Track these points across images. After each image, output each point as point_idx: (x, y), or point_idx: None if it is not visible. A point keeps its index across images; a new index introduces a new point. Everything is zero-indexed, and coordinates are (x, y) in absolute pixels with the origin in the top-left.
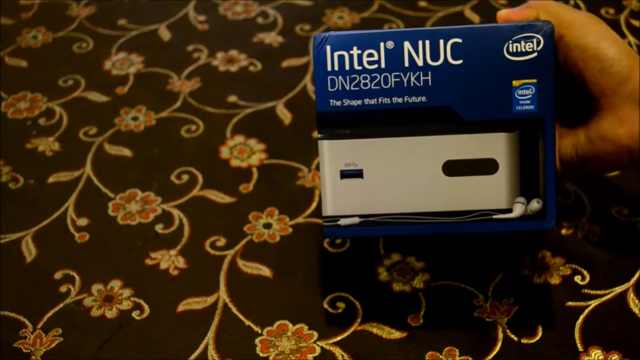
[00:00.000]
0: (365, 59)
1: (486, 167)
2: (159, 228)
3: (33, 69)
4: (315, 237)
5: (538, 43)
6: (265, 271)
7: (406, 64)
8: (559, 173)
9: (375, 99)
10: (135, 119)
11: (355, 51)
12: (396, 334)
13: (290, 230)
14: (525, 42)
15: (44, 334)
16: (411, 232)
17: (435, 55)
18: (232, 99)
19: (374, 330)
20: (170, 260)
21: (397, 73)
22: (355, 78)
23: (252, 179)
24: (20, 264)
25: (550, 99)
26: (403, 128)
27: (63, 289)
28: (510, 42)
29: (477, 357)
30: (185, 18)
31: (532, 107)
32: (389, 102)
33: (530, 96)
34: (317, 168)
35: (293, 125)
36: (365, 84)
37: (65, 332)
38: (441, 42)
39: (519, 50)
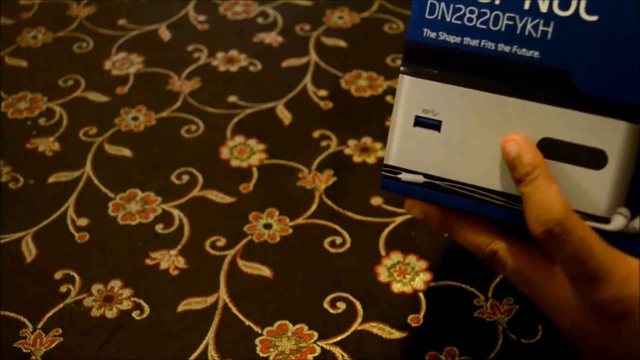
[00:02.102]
0: None
1: (592, 158)
2: (159, 228)
3: (33, 69)
4: (316, 237)
5: None
6: (265, 271)
7: (526, 6)
8: None
9: (478, 41)
10: (135, 119)
11: None
12: (396, 334)
13: (291, 230)
14: None
15: (44, 334)
16: (480, 212)
17: (565, 3)
18: (232, 99)
19: (374, 330)
20: (170, 260)
21: (512, 15)
22: (460, 9)
23: (252, 179)
24: (20, 264)
25: None
26: (502, 84)
27: (63, 289)
28: None
29: (477, 357)
30: (185, 18)
31: None
32: (494, 48)
33: None
34: (318, 169)
35: (293, 125)
36: (470, 19)
37: (65, 332)
38: None
39: None
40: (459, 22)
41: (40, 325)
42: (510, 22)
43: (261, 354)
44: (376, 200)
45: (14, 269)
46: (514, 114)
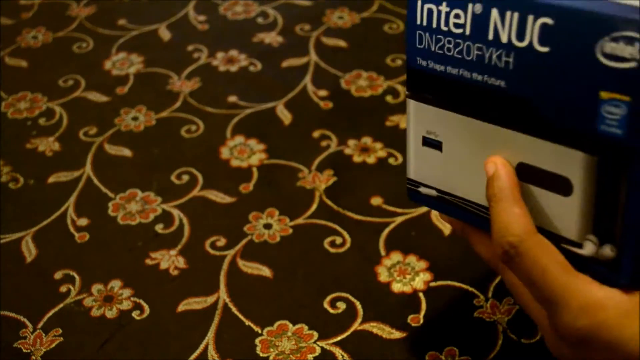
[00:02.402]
0: (452, 20)
1: (561, 185)
2: (159, 228)
3: (33, 69)
4: (316, 237)
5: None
6: (265, 271)
7: (490, 37)
8: None
9: (457, 70)
10: (135, 119)
11: (444, 7)
12: (396, 334)
13: (291, 230)
14: (626, 45)
15: (44, 334)
16: (480, 226)
17: (521, 34)
18: (232, 99)
19: (374, 330)
20: (170, 260)
21: (480, 45)
22: (441, 40)
23: (252, 179)
24: (20, 264)
25: None
26: (481, 111)
27: (63, 289)
28: (608, 38)
29: (477, 357)
30: (185, 18)
31: (619, 131)
32: (469, 76)
33: (619, 117)
34: (318, 169)
35: (293, 125)
36: (449, 49)
37: (65, 332)
38: (530, 18)
39: (615, 53)
40: (441, 52)
41: (40, 325)
42: (479, 52)
43: (261, 354)
44: (376, 200)
45: (14, 269)
46: (494, 139)
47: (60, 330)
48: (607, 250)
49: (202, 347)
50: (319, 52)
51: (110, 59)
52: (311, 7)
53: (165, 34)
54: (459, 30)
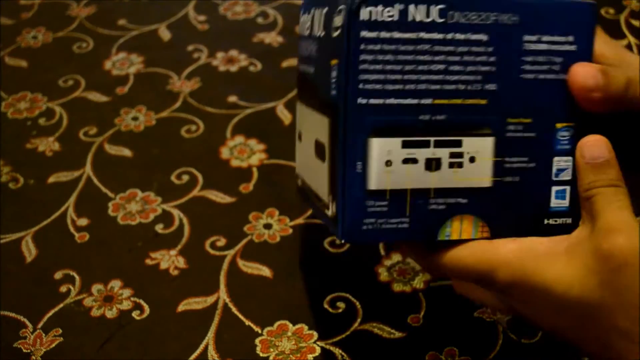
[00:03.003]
0: (305, 25)
1: (322, 152)
2: (159, 228)
3: (33, 69)
4: (315, 237)
5: (342, 19)
6: (265, 271)
7: (306, 33)
8: None
9: (301, 66)
10: (135, 119)
11: (306, 17)
12: (396, 334)
13: (291, 230)
14: (336, 16)
15: (44, 334)
16: (320, 218)
17: (324, 26)
18: (232, 99)
19: (374, 330)
20: (170, 260)
21: (306, 42)
22: (301, 45)
23: (252, 179)
24: (20, 264)
25: (352, 84)
26: (305, 96)
27: (63, 289)
28: (334, 13)
29: (477, 357)
30: (185, 18)
31: (334, 92)
32: (303, 70)
33: (335, 79)
34: None
35: (293, 125)
36: (301, 50)
37: (65, 332)
38: (324, 10)
39: (335, 24)
40: (301, 55)
41: (40, 325)
42: (306, 48)
43: (261, 354)
44: None
45: (14, 269)
46: (309, 121)
47: (60, 330)
48: (332, 209)
49: (202, 347)
50: None
51: (110, 59)
52: None
53: (165, 34)
54: (307, 32)
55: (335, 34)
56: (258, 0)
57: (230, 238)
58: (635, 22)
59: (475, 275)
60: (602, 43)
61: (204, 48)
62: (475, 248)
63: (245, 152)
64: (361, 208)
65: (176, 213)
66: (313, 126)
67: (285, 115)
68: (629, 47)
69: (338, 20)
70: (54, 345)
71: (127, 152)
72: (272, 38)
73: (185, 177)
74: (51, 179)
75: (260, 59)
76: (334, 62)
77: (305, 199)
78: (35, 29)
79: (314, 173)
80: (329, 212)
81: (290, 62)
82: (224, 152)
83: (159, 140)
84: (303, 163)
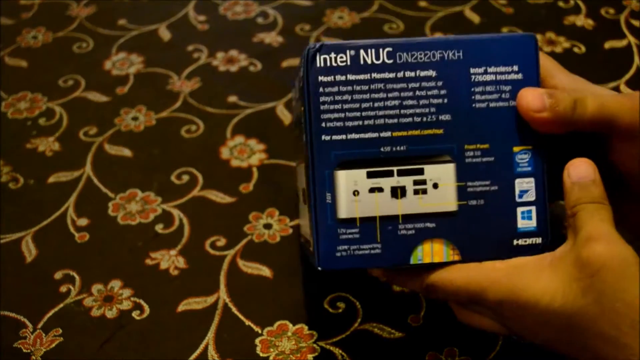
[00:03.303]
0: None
1: (305, 195)
2: (159, 228)
3: (33, 69)
4: None
5: (302, 69)
6: (265, 271)
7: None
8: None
9: None
10: (135, 119)
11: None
12: (396, 334)
13: (291, 230)
14: (300, 70)
15: (44, 334)
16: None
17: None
18: (232, 99)
19: (374, 330)
20: (170, 260)
21: None
22: None
23: (252, 179)
24: (20, 264)
25: (315, 123)
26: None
27: (63, 289)
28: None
29: (477, 357)
30: (185, 18)
31: (305, 136)
32: None
33: (303, 124)
34: None
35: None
36: None
37: (65, 332)
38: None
39: (300, 76)
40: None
41: (40, 325)
42: None
43: (261, 354)
44: None
45: (14, 269)
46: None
47: (60, 330)
48: (312, 241)
49: (202, 347)
50: None
51: (110, 59)
52: (311, 7)
53: (165, 34)
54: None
55: (300, 84)
56: (258, 0)
57: (230, 238)
58: (635, 22)
59: (465, 295)
60: (563, 77)
61: (204, 48)
62: (464, 270)
63: (245, 152)
64: (334, 236)
65: (176, 213)
66: (300, 177)
67: (285, 115)
68: (629, 47)
69: (301, 72)
70: (54, 345)
71: (127, 152)
72: (272, 38)
73: (185, 177)
74: (51, 179)
75: (260, 59)
76: (302, 109)
77: (303, 252)
78: (35, 29)
79: (304, 220)
80: (311, 248)
81: (290, 62)
82: (224, 152)
83: (159, 140)
84: (301, 217)
